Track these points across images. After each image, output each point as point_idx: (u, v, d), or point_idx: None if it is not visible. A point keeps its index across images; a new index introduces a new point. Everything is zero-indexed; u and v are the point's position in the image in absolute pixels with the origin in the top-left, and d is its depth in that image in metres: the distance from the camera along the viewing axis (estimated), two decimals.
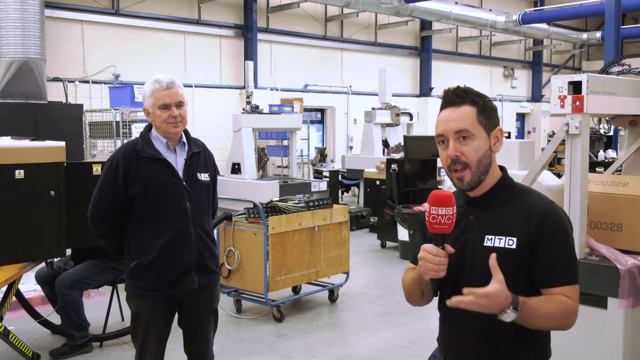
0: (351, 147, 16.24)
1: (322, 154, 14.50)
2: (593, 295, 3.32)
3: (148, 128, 3.29)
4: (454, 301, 1.76)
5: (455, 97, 1.96)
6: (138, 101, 9.19)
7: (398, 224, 8.55)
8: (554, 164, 12.00)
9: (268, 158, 10.74)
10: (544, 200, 1.94)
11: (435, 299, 2.11)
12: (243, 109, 10.58)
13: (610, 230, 3.48)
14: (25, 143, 4.63)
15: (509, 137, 16.19)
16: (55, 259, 5.24)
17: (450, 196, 1.85)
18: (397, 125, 12.90)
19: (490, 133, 1.97)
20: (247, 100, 10.70)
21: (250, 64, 11.70)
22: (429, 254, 1.83)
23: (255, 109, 10.26)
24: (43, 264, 5.28)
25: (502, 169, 2.04)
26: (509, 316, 1.77)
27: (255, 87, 13.62)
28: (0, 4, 8.85)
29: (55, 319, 5.33)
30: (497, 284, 1.74)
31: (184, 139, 3.29)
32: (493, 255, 1.78)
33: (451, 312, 1.89)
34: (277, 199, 6.60)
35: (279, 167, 11.63)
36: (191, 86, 12.70)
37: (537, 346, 1.99)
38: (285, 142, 11.21)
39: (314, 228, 6.20)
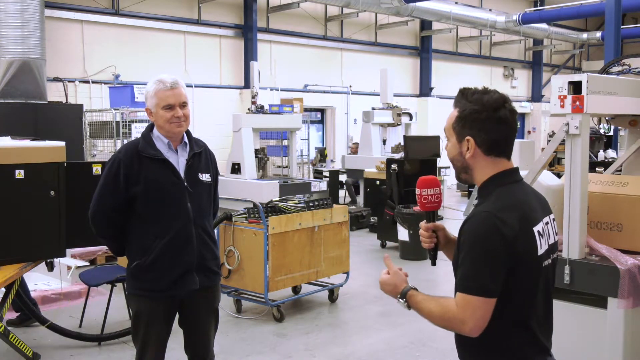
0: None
1: (322, 154, 14.49)
2: (593, 295, 3.33)
3: (150, 128, 3.28)
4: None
5: (455, 98, 2.10)
6: (138, 101, 9.19)
7: (398, 224, 8.54)
8: (554, 163, 12.01)
9: (268, 158, 10.74)
10: (478, 210, 2.01)
11: None
12: (248, 109, 10.59)
13: (610, 230, 3.49)
14: (25, 143, 4.63)
15: None
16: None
17: (435, 179, 2.27)
18: (398, 125, 12.91)
19: (462, 141, 2.08)
20: (252, 100, 10.69)
21: (255, 64, 11.70)
22: (422, 229, 2.29)
23: (260, 109, 10.26)
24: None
25: (497, 175, 2.07)
26: (400, 304, 2.11)
27: None
28: (0, 4, 8.86)
29: (56, 318, 5.33)
30: (384, 275, 2.16)
31: (186, 139, 3.29)
32: (386, 255, 2.24)
33: None
34: (277, 199, 6.59)
35: (279, 167, 11.62)
36: (191, 86, 12.70)
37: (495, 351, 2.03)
38: (285, 142, 11.21)
39: (314, 228, 6.20)
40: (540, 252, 2.01)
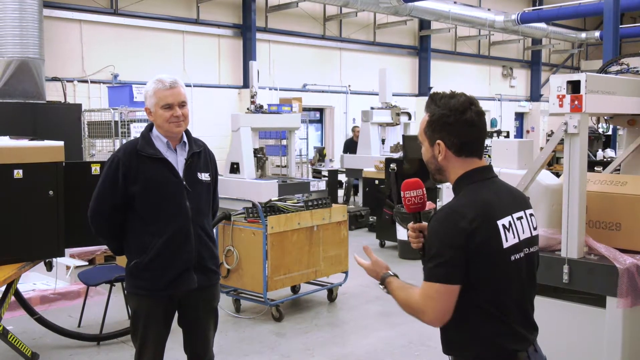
0: None
1: (320, 154, 14.49)
2: (592, 295, 3.33)
3: (149, 127, 3.28)
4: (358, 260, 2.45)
5: (426, 103, 2.20)
6: (137, 101, 9.19)
7: (397, 224, 8.55)
8: (553, 163, 12.00)
9: (267, 158, 10.74)
10: (443, 207, 2.13)
11: None
12: (247, 109, 10.59)
13: (609, 230, 3.49)
14: (24, 143, 4.63)
15: (507, 136, 16.19)
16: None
17: (418, 181, 2.33)
18: (397, 124, 12.91)
19: (433, 144, 2.17)
20: (251, 99, 10.69)
21: (254, 64, 11.69)
22: (410, 230, 2.36)
23: (259, 109, 10.26)
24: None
25: (467, 173, 2.15)
26: (381, 289, 2.27)
27: None
28: None
29: (54, 318, 5.33)
30: (367, 262, 2.36)
31: (185, 139, 3.29)
32: (365, 246, 2.46)
33: None
34: (276, 198, 6.59)
35: (278, 166, 11.62)
36: (190, 86, 12.68)
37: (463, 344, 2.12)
38: (284, 142, 11.20)
39: (312, 227, 6.20)
40: (506, 245, 2.06)
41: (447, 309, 2.02)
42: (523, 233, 2.13)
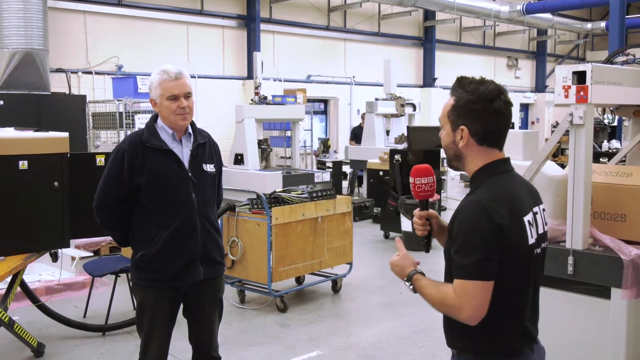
0: None
1: (325, 145, 14.48)
2: (596, 286, 3.33)
3: (154, 118, 3.28)
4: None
5: (452, 86, 2.12)
6: (141, 92, 9.19)
7: (401, 215, 8.54)
8: (558, 154, 11.96)
9: (271, 149, 10.74)
10: (469, 200, 2.06)
11: None
12: (251, 100, 10.58)
13: (614, 221, 3.48)
14: (29, 134, 4.64)
15: (512, 127, 16.13)
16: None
17: (429, 167, 2.29)
18: (402, 115, 12.88)
19: (456, 130, 2.10)
20: (255, 91, 10.68)
21: (259, 55, 11.68)
22: (416, 217, 2.30)
23: (263, 100, 10.25)
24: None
25: (489, 165, 2.10)
26: (407, 287, 2.16)
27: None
28: None
29: (60, 309, 5.35)
30: (395, 257, 2.22)
31: (190, 130, 3.29)
32: (397, 238, 2.31)
33: None
34: (280, 189, 6.60)
35: (282, 157, 11.63)
36: (194, 77, 12.68)
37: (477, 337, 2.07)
38: (288, 133, 11.20)
39: (317, 219, 6.20)
40: (531, 241, 2.04)
41: (485, 305, 1.96)
42: (539, 228, 2.10)
